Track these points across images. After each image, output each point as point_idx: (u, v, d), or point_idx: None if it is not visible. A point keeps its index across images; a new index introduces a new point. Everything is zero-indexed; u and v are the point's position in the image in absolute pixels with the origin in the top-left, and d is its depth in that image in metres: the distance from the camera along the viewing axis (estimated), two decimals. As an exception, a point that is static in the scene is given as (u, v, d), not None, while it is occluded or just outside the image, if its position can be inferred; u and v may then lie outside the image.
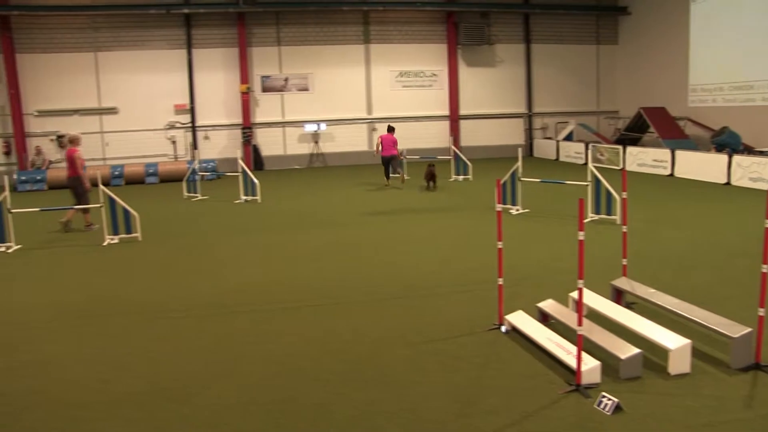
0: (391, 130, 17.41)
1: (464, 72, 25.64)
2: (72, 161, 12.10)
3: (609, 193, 10.90)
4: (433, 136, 24.86)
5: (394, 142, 17.05)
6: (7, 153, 22.39)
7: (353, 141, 24.66)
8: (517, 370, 5.01)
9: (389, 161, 17.15)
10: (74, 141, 12.37)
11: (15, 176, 20.63)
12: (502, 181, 8.06)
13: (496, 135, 25.96)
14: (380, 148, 17.01)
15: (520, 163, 12.30)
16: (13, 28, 22.16)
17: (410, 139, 23.39)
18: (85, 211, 12.11)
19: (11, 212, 10.83)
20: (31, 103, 22.61)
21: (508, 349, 5.46)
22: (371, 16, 24.55)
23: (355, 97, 24.79)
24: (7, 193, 10.75)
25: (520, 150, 12.98)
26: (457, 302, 6.85)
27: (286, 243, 10.39)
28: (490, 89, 25.95)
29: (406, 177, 18.34)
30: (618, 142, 22.50)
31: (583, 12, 26.05)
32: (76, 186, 12.05)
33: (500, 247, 5.86)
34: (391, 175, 17.34)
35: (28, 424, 4.39)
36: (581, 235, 4.52)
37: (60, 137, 22.55)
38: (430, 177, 16.77)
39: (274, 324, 6.32)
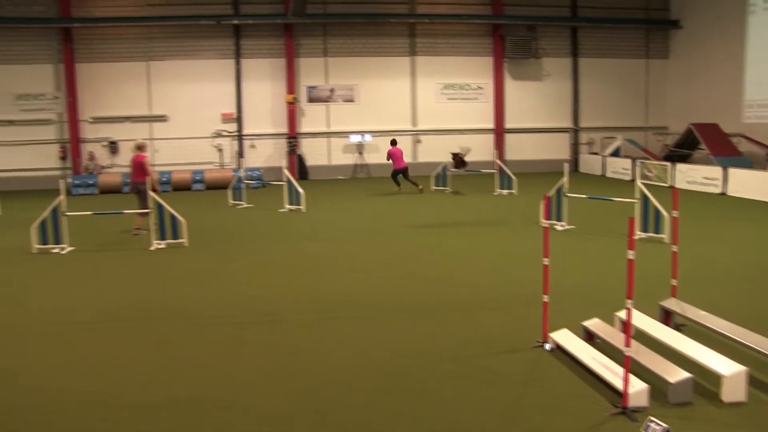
0: (394, 143, 18.59)
1: (510, 85, 25.47)
2: (142, 166, 12.47)
3: (657, 211, 10.64)
4: (478, 150, 24.56)
5: (402, 154, 18.49)
6: (63, 158, 23.19)
7: (397, 152, 24.69)
8: (561, 390, 4.92)
9: (404, 172, 18.29)
10: (142, 147, 13.04)
11: (69, 180, 21.33)
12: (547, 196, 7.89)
13: (542, 149, 25.67)
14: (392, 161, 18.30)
15: (566, 178, 12.12)
16: (74, 39, 23.05)
17: (455, 152, 23.33)
18: (142, 215, 12.39)
19: (66, 215, 11.19)
20: (87, 110, 23.41)
21: (552, 367, 5.36)
22: (418, 28, 24.64)
23: (401, 108, 24.87)
24: (63, 196, 11.12)
25: (566, 165, 12.80)
26: (500, 318, 6.77)
27: (329, 253, 10.46)
28: (536, 103, 25.71)
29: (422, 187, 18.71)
30: (666, 158, 21.96)
31: (632, 25, 25.62)
32: (143, 190, 12.33)
33: (546, 263, 5.78)
34: (408, 183, 18.41)
35: (68, 426, 4.50)
36: (631, 254, 4.41)
37: (112, 143, 23.30)
38: (460, 163, 18.96)
39: (316, 334, 6.36)
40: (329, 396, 4.88)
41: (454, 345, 5.93)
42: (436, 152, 23.61)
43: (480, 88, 25.23)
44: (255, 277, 8.93)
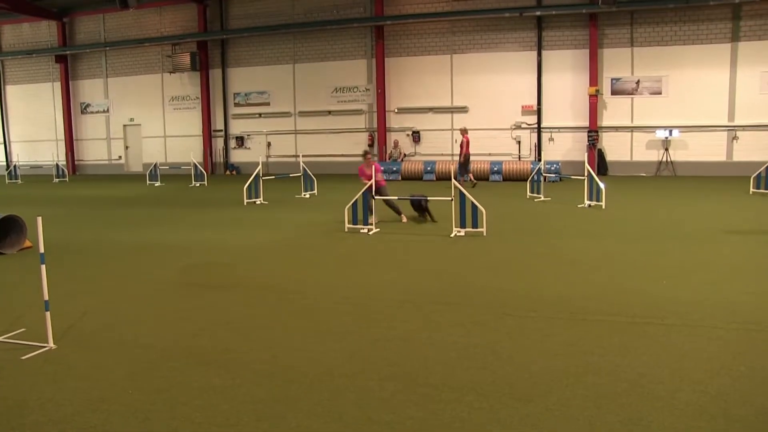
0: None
1: None
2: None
3: None
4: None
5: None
6: (371, 145, 26.25)
7: (708, 150, 23.20)
8: None
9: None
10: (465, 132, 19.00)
11: (375, 166, 24.18)
12: None
13: None
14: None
15: None
16: (385, 36, 25.89)
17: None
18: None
19: (375, 199, 12.53)
20: (393, 101, 26.14)
21: None
22: (743, 9, 22.82)
23: (715, 101, 23.22)
24: (373, 181, 12.45)
25: None
26: None
27: (632, 253, 9.94)
28: None
29: None
30: None
31: None
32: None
33: None
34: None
35: (387, 395, 4.88)
36: None
37: (415, 133, 25.77)
38: None
39: (620, 338, 5.98)
40: (635, 404, 4.55)
41: None
42: (756, 151, 21.91)
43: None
44: (554, 271, 8.80)
